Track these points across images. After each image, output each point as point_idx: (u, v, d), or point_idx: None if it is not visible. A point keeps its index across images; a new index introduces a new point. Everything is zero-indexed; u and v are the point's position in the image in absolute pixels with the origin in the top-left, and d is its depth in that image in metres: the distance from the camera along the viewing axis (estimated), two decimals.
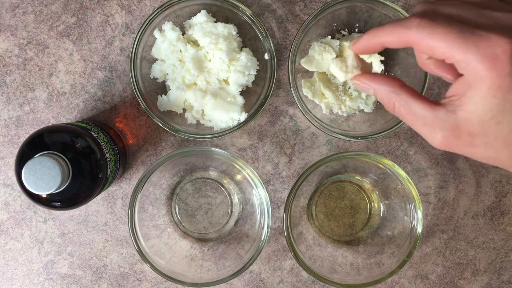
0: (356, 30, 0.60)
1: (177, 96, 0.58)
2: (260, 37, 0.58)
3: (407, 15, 0.55)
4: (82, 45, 0.61)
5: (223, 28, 0.57)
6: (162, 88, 0.60)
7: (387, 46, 0.37)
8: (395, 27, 0.35)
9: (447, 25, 0.33)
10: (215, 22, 0.59)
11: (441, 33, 0.33)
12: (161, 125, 0.57)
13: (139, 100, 0.57)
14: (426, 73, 0.55)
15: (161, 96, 0.59)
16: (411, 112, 0.36)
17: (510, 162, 0.35)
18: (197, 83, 0.58)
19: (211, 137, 0.57)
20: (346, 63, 0.57)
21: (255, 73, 0.59)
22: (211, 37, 0.57)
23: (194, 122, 0.59)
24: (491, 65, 0.32)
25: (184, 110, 0.60)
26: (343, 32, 0.60)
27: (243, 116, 0.58)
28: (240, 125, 0.57)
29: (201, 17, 0.58)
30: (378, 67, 0.59)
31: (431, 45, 0.34)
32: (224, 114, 0.58)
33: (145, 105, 0.57)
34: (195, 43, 0.59)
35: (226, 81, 0.59)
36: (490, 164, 0.39)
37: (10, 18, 0.61)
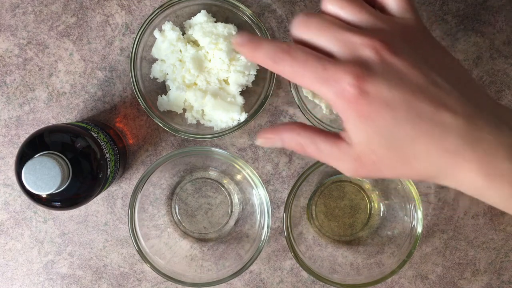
0: None
1: (177, 96, 0.58)
2: None
3: None
4: (82, 45, 0.61)
5: (223, 28, 0.57)
6: (162, 88, 0.60)
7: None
8: (270, 63, 0.37)
9: (303, 65, 0.35)
10: (215, 22, 0.59)
11: (301, 74, 0.35)
12: (161, 125, 0.57)
13: (139, 100, 0.57)
14: None
15: (161, 96, 0.59)
16: (319, 150, 0.37)
17: (418, 175, 0.36)
18: (197, 83, 0.58)
19: (211, 137, 0.58)
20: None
21: (255, 73, 0.59)
22: (211, 37, 0.57)
23: (194, 122, 0.59)
24: (345, 100, 0.34)
25: (184, 110, 0.60)
26: None
27: (243, 116, 0.58)
28: (240, 125, 0.57)
29: (201, 17, 0.58)
30: None
31: (298, 83, 0.36)
32: (224, 114, 0.58)
33: (145, 105, 0.57)
34: (195, 43, 0.59)
35: (226, 81, 0.59)
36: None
37: (10, 18, 0.61)
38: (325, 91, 0.35)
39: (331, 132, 0.38)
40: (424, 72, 0.34)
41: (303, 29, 0.37)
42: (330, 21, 0.36)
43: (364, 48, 0.35)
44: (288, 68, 0.35)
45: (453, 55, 0.38)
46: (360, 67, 0.34)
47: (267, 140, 0.39)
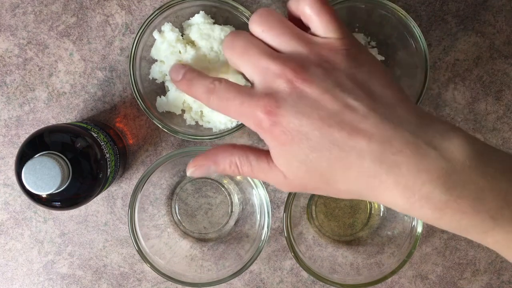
0: (356, 30, 0.60)
1: (176, 97, 0.58)
2: None
3: (407, 15, 0.55)
4: (82, 45, 0.61)
5: (219, 31, 0.57)
6: (161, 88, 0.60)
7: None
8: (202, 100, 0.39)
9: (226, 102, 0.37)
10: (214, 23, 0.59)
11: (226, 110, 0.37)
12: (160, 126, 0.57)
13: (137, 101, 0.57)
14: (426, 74, 0.55)
15: (160, 97, 0.59)
16: (252, 167, 0.38)
17: (344, 195, 0.37)
18: None
19: (210, 139, 0.57)
20: None
21: None
22: (208, 40, 0.57)
23: (193, 123, 0.59)
24: (263, 130, 0.36)
25: (183, 111, 0.60)
26: None
27: None
28: (239, 127, 0.57)
29: (198, 18, 0.58)
30: None
31: (228, 116, 0.39)
32: (223, 116, 0.57)
33: (143, 106, 0.57)
34: (194, 43, 0.59)
35: None
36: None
37: (10, 18, 0.61)
38: (247, 123, 0.37)
39: (263, 150, 0.39)
40: (336, 97, 0.34)
41: (229, 51, 0.38)
42: (253, 44, 0.37)
43: (277, 77, 0.35)
44: (216, 105, 0.38)
45: (387, 69, 0.38)
46: (270, 100, 0.35)
47: (199, 167, 0.40)
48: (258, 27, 0.37)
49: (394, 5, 0.55)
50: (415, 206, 0.34)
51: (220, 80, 0.38)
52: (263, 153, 0.38)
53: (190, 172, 0.40)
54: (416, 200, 0.33)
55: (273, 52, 0.36)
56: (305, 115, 0.34)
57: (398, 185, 0.33)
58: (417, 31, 0.55)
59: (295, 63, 0.35)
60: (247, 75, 0.38)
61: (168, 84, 0.58)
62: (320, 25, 0.37)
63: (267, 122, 0.35)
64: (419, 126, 0.34)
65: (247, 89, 0.37)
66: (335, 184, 0.36)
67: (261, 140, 0.62)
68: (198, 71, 0.39)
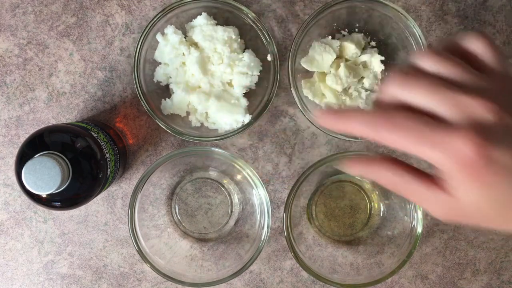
0: (356, 30, 0.60)
1: (181, 99, 0.58)
2: (264, 41, 0.58)
3: (407, 15, 0.55)
4: (82, 45, 0.61)
5: (223, 32, 0.57)
6: (164, 90, 0.60)
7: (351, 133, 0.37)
8: (368, 131, 0.35)
9: (406, 129, 0.33)
10: (216, 24, 0.59)
11: (404, 137, 0.33)
12: (164, 128, 0.57)
13: (142, 103, 0.56)
14: None
15: (165, 99, 0.59)
16: (410, 190, 0.36)
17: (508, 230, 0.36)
18: (201, 86, 0.58)
19: (215, 139, 0.57)
20: (340, 76, 0.59)
21: (259, 74, 0.59)
22: (212, 41, 0.57)
23: (198, 125, 0.59)
24: (462, 165, 0.33)
25: (188, 113, 0.60)
26: (343, 32, 0.60)
27: (247, 118, 0.58)
28: (244, 127, 0.57)
29: (201, 20, 0.58)
30: (378, 67, 0.59)
31: (400, 148, 0.34)
32: (228, 116, 0.58)
33: (148, 108, 0.56)
34: (197, 45, 0.59)
35: (229, 84, 0.59)
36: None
37: (10, 18, 0.61)
38: (435, 155, 0.33)
39: (424, 172, 0.36)
40: None
41: (407, 88, 0.35)
42: (437, 80, 0.35)
43: (482, 110, 0.33)
44: (386, 134, 0.34)
45: None
46: (481, 132, 0.32)
47: (359, 168, 0.38)
48: (436, 62, 0.35)
49: (394, 5, 0.55)
50: None
51: (396, 106, 0.35)
52: (426, 178, 0.36)
53: (349, 168, 0.38)
54: None
55: (459, 87, 0.34)
56: None
57: None
58: (417, 31, 0.55)
59: (494, 96, 0.34)
60: (433, 108, 0.34)
61: (173, 86, 0.58)
62: (494, 61, 0.37)
63: (476, 156, 0.32)
64: None
65: (432, 120, 0.34)
66: None
67: (261, 140, 0.62)
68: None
